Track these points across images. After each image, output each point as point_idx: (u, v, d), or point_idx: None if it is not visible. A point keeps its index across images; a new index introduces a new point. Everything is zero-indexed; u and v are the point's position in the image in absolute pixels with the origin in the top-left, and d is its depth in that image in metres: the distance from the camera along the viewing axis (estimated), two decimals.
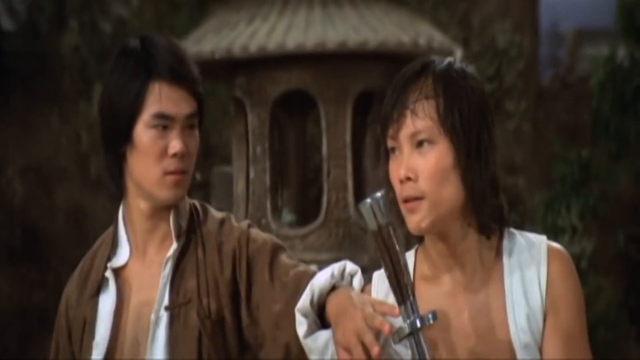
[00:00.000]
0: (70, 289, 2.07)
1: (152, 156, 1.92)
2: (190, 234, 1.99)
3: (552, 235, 10.23)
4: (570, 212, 10.20)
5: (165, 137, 1.95)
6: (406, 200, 1.75)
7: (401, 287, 1.66)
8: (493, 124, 1.82)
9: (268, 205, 9.06)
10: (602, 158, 10.27)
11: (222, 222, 2.02)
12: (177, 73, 1.95)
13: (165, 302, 1.95)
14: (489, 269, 1.78)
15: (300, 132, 10.03)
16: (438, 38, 9.21)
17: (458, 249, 1.77)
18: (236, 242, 1.97)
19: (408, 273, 1.66)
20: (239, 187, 9.28)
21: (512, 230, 1.82)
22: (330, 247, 8.92)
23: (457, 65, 1.79)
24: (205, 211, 2.02)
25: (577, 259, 10.42)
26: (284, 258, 1.96)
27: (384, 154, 1.80)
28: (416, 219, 1.74)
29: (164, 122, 1.95)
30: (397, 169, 1.76)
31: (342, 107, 8.97)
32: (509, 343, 1.72)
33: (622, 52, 10.19)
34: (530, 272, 1.75)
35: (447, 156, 1.73)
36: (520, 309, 1.74)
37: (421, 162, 1.73)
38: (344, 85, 8.99)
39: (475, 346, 1.74)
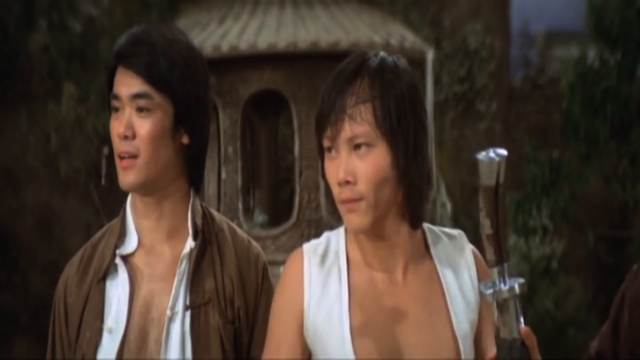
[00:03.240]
0: (70, 275, 2.04)
1: (113, 138, 1.98)
2: (205, 233, 2.00)
3: (523, 236, 10.28)
4: (540, 213, 10.25)
5: (118, 119, 1.96)
6: (344, 202, 1.77)
7: (502, 248, 1.64)
8: (426, 117, 1.83)
9: (240, 205, 9.03)
10: (572, 159, 10.33)
11: (233, 229, 2.05)
12: (127, 54, 1.95)
13: (182, 299, 1.96)
14: (421, 262, 1.83)
15: (272, 133, 10.00)
16: (410, 38, 9.22)
17: (390, 241, 1.80)
18: (259, 274, 2.02)
19: (507, 237, 1.69)
20: (211, 187, 9.23)
21: (428, 225, 1.89)
22: None
23: (390, 60, 1.79)
24: (211, 212, 2.07)
25: (547, 260, 10.47)
26: None
27: (320, 153, 1.83)
28: (355, 219, 1.77)
29: (116, 103, 1.96)
30: (334, 171, 1.77)
31: (314, 108, 8.93)
32: (452, 333, 1.79)
33: (592, 54, 10.25)
34: (460, 266, 1.84)
35: (385, 158, 1.75)
36: (458, 301, 1.80)
37: (360, 165, 1.75)
38: (315, 86, 8.97)
39: (417, 333, 1.79)
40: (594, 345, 2.12)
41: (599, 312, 11.13)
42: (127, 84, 1.94)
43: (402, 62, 1.81)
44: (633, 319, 2.04)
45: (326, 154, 1.79)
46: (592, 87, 10.09)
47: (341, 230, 1.86)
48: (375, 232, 1.79)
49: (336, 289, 1.80)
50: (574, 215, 10.37)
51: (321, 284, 1.81)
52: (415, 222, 1.81)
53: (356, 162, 1.75)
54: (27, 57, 12.53)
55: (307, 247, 1.85)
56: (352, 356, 1.75)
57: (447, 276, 1.82)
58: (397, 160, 1.75)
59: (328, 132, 1.77)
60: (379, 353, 1.76)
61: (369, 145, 1.75)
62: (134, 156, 1.94)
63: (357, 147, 1.75)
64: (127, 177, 1.95)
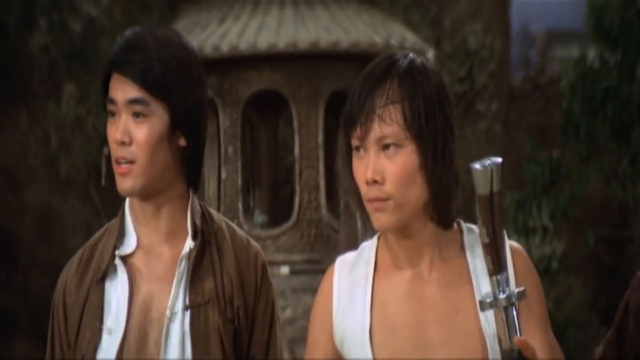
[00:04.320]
0: (69, 276, 2.04)
1: (110, 143, 1.99)
2: (204, 233, 2.00)
3: (523, 236, 10.27)
4: (541, 213, 10.25)
5: (114, 124, 1.97)
6: (371, 201, 1.79)
7: (499, 257, 1.64)
8: (454, 117, 1.85)
9: (240, 206, 9.02)
10: (573, 159, 10.33)
11: (232, 228, 2.06)
12: (122, 61, 1.95)
13: (181, 299, 1.96)
14: (452, 261, 1.83)
15: (272, 133, 10.00)
16: (410, 38, 9.22)
17: (416, 240, 1.82)
18: (258, 273, 2.02)
19: (505, 245, 1.67)
20: (211, 187, 9.23)
21: (469, 224, 1.87)
22: (302, 248, 8.90)
23: (418, 61, 1.82)
24: (209, 211, 2.05)
25: (547, 260, 10.46)
26: (277, 331, 2.05)
27: (347, 151, 1.82)
28: (382, 218, 1.78)
29: (112, 107, 1.96)
30: (363, 170, 1.79)
31: (314, 108, 8.95)
32: (479, 330, 1.79)
33: (592, 54, 10.25)
34: None
35: (413, 159, 1.77)
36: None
37: (388, 165, 1.77)
38: (315, 86, 8.97)
39: (441, 331, 1.80)
40: (598, 351, 2.11)
41: (599, 312, 11.13)
42: (123, 90, 1.94)
43: (431, 64, 1.83)
44: (638, 326, 2.03)
45: (354, 153, 1.80)
46: (592, 87, 10.08)
47: (375, 238, 1.89)
48: (402, 230, 1.81)
49: (361, 295, 1.83)
50: (574, 216, 10.36)
51: (348, 292, 1.84)
52: (444, 222, 1.82)
53: (384, 162, 1.77)
54: (28, 57, 12.53)
55: (340, 258, 1.89)
56: (370, 356, 1.78)
57: (479, 275, 1.81)
58: (425, 161, 1.76)
59: (357, 132, 1.78)
60: (400, 353, 1.77)
61: (397, 145, 1.76)
62: (131, 162, 1.95)
63: (386, 147, 1.77)
64: (125, 183, 1.95)
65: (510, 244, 1.84)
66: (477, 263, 1.82)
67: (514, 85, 14.32)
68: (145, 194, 1.98)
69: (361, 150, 1.79)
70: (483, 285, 1.80)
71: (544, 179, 10.23)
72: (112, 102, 1.96)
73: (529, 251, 10.28)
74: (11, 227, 12.63)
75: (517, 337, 1.63)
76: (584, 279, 11.71)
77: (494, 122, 13.47)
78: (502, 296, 1.63)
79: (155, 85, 1.93)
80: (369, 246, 1.88)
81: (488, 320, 1.78)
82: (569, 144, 10.35)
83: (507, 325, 1.63)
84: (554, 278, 10.59)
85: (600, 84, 10.03)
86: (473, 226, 1.87)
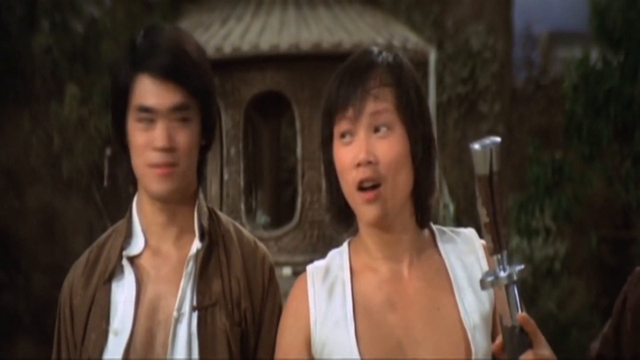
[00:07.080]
0: (75, 277, 2.02)
1: (137, 148, 1.90)
2: (211, 235, 1.99)
3: (526, 237, 10.27)
4: (543, 214, 10.25)
5: (150, 130, 1.91)
6: (363, 188, 1.76)
7: (499, 236, 1.65)
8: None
9: (242, 207, 9.02)
10: (575, 160, 10.32)
11: (240, 231, 2.05)
12: (160, 65, 1.90)
13: (188, 301, 1.95)
14: (428, 259, 1.86)
15: (275, 134, 10.00)
16: (412, 39, 9.22)
17: (395, 238, 1.82)
18: (266, 275, 2.01)
19: (504, 224, 1.70)
20: (213, 188, 9.23)
21: (438, 226, 1.90)
22: (305, 249, 8.90)
23: (401, 56, 1.85)
24: (217, 213, 2.04)
25: (550, 261, 10.46)
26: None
27: (326, 141, 1.80)
28: (374, 209, 1.77)
29: (147, 115, 1.91)
30: (350, 155, 1.77)
31: (317, 109, 8.94)
32: (459, 323, 1.80)
33: (594, 55, 10.25)
34: (470, 260, 1.85)
35: (403, 143, 1.78)
36: (467, 293, 1.82)
37: (381, 147, 1.76)
38: (318, 87, 8.96)
39: (425, 327, 1.80)
40: (594, 346, 2.11)
41: (601, 313, 11.11)
42: (163, 97, 1.90)
43: (406, 60, 1.86)
44: (636, 323, 2.02)
45: (339, 143, 1.79)
46: (595, 88, 10.08)
47: (344, 245, 1.89)
48: (385, 228, 1.81)
49: (340, 299, 1.83)
50: (576, 217, 10.36)
51: (326, 298, 1.83)
52: (423, 216, 1.84)
53: (377, 144, 1.76)
54: (30, 58, 12.53)
55: (310, 267, 1.88)
56: (357, 357, 1.78)
57: (455, 270, 1.84)
58: (413, 147, 1.78)
59: (349, 112, 1.77)
60: (388, 353, 1.78)
61: (388, 127, 1.77)
62: (173, 165, 1.92)
63: (377, 130, 1.77)
64: (164, 185, 1.93)
65: (483, 242, 1.88)
66: (452, 260, 1.85)
67: (516, 86, 14.30)
68: (175, 196, 1.96)
69: (347, 137, 1.78)
70: (460, 280, 1.83)
71: (547, 180, 10.23)
72: (149, 110, 1.90)
73: (531, 252, 10.30)
74: (13, 228, 12.63)
75: (519, 314, 1.64)
76: (587, 280, 11.69)
77: (496, 123, 13.46)
78: (503, 274, 1.64)
79: (200, 90, 1.92)
80: (339, 252, 1.88)
81: (468, 314, 1.81)
82: (571, 145, 10.34)
83: (509, 303, 1.64)
84: (557, 279, 10.58)
85: (603, 85, 10.03)
86: (443, 228, 1.90)
